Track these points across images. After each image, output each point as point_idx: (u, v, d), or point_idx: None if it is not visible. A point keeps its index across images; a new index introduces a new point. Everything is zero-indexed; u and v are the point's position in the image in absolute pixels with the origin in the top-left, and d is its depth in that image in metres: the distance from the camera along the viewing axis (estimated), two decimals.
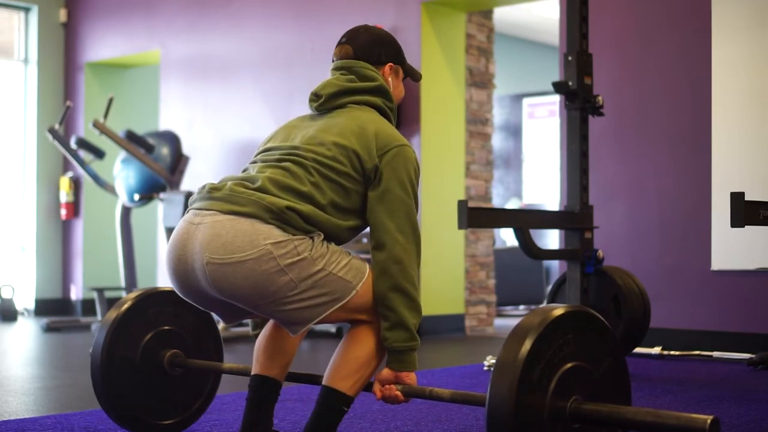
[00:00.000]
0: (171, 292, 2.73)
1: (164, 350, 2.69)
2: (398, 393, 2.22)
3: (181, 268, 2.17)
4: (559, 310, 1.77)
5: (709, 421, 1.65)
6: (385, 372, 2.23)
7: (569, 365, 1.77)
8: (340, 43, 2.42)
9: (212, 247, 2.10)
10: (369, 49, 2.39)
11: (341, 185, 2.20)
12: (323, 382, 2.24)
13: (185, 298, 2.25)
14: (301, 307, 2.13)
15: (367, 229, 2.29)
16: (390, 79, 2.41)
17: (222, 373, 2.71)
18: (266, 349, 2.40)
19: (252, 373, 2.41)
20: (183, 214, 5.86)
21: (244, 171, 2.32)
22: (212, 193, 2.20)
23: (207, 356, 2.82)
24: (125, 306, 2.65)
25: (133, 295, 2.69)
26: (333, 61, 2.44)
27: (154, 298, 2.71)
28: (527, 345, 1.71)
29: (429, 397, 2.20)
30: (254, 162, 2.32)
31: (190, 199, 2.27)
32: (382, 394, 2.24)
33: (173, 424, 2.74)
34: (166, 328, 2.71)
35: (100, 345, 2.61)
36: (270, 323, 2.43)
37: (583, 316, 1.81)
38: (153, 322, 2.69)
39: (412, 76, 2.48)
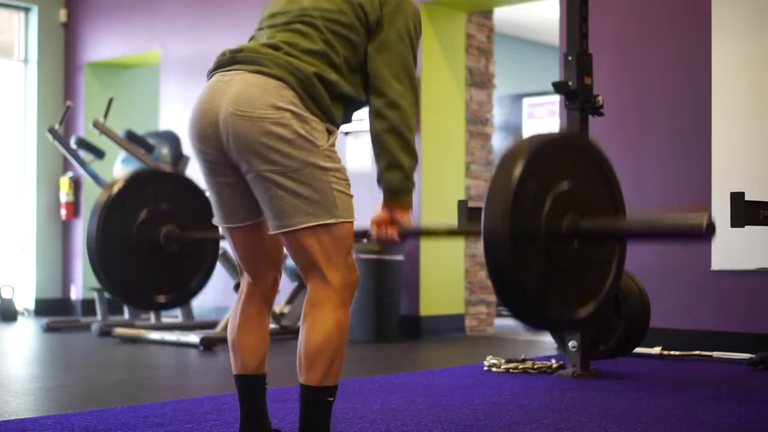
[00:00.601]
0: (171, 173, 2.73)
1: (160, 227, 2.68)
2: (394, 233, 2.25)
3: (205, 119, 2.19)
4: (554, 132, 1.74)
5: (705, 219, 1.62)
6: (380, 211, 2.25)
7: (564, 185, 1.73)
8: None
9: (239, 99, 2.13)
10: None
11: (349, 40, 2.22)
12: (299, 380, 2.21)
13: (198, 152, 2.24)
14: (288, 201, 2.12)
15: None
16: None
17: (220, 239, 2.71)
18: (241, 343, 2.36)
19: (234, 373, 2.40)
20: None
21: (251, 39, 2.32)
22: (236, 54, 2.22)
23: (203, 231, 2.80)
24: (116, 188, 2.64)
25: (120, 178, 2.69)
26: None
27: (142, 178, 2.70)
28: (520, 166, 1.67)
29: (425, 234, 2.20)
30: (261, 29, 2.32)
31: (210, 68, 2.28)
32: (378, 234, 2.26)
33: (171, 300, 2.74)
34: (164, 206, 2.70)
35: (93, 230, 2.60)
36: (237, 316, 2.39)
37: (578, 139, 1.79)
38: (144, 201, 2.68)
39: None
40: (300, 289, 5.90)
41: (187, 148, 7.14)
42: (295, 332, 5.80)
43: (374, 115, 2.22)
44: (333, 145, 2.19)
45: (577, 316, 1.82)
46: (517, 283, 1.67)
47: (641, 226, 1.71)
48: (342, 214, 2.17)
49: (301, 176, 2.12)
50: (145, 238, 2.65)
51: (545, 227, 1.69)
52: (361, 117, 2.34)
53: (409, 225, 2.25)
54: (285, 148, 2.10)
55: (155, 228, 2.67)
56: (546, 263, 1.72)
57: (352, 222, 2.22)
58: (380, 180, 2.23)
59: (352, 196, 2.22)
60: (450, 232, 2.15)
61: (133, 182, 2.67)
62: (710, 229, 1.61)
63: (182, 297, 2.76)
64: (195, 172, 7.36)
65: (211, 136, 2.19)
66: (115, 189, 2.63)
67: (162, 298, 2.71)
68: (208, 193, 2.36)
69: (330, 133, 2.19)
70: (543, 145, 1.71)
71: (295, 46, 2.20)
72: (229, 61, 2.23)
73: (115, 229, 2.61)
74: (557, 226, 1.71)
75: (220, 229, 2.36)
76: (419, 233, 2.23)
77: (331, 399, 2.20)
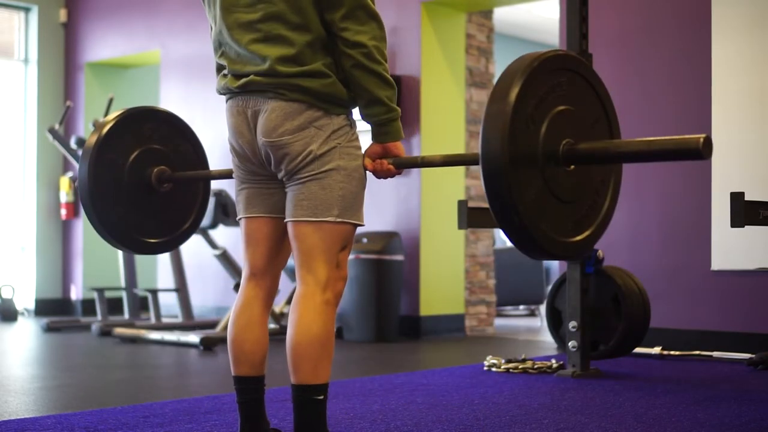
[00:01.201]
0: (146, 110, 2.73)
1: (150, 168, 2.68)
2: (390, 166, 2.27)
3: (245, 144, 2.27)
4: (551, 52, 1.73)
5: (702, 139, 1.61)
6: (373, 146, 2.27)
7: (561, 108, 1.72)
8: None
9: (266, 130, 2.21)
10: None
11: (312, 12, 2.20)
12: (291, 380, 2.22)
13: (234, 152, 2.31)
14: (304, 197, 2.19)
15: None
16: None
17: (211, 179, 2.71)
18: (240, 343, 2.37)
19: (233, 374, 2.40)
20: None
21: (218, 36, 2.31)
22: (245, 87, 2.24)
23: (192, 167, 2.80)
24: (105, 130, 2.63)
25: (110, 118, 2.67)
26: None
27: (131, 118, 2.69)
28: (517, 86, 1.66)
29: (420, 165, 2.21)
30: (221, 32, 2.29)
31: (219, 90, 2.32)
32: (374, 168, 2.27)
33: (163, 242, 2.73)
34: (148, 146, 2.70)
35: (85, 172, 2.58)
36: (237, 316, 2.39)
37: (575, 61, 1.78)
38: (134, 142, 2.68)
39: None
40: None
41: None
42: None
43: (342, 55, 2.21)
44: (354, 138, 2.24)
45: (574, 240, 1.81)
46: (515, 207, 1.66)
47: (638, 147, 1.70)
48: (336, 213, 2.20)
49: (322, 178, 2.19)
50: (136, 178, 2.64)
51: (542, 150, 1.68)
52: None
53: (402, 154, 2.28)
54: (309, 159, 2.18)
55: (146, 168, 2.66)
56: (543, 187, 1.72)
57: (355, 225, 2.25)
58: (364, 117, 2.26)
59: (361, 197, 2.25)
60: (446, 162, 2.16)
61: (125, 121, 2.65)
62: (706, 146, 1.61)
63: (175, 239, 2.75)
64: None
65: (251, 155, 2.28)
66: (106, 129, 2.62)
67: (154, 241, 2.70)
68: (234, 193, 2.42)
69: (351, 125, 2.25)
70: (540, 64, 1.69)
71: (286, 62, 2.20)
72: (240, 90, 2.25)
73: (106, 169, 2.59)
74: (554, 149, 1.70)
75: (241, 223, 2.38)
76: (413, 164, 2.24)
77: (321, 397, 2.20)
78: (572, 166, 1.73)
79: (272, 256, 2.38)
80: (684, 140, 1.63)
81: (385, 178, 2.32)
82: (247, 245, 2.39)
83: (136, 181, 2.66)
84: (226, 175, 2.60)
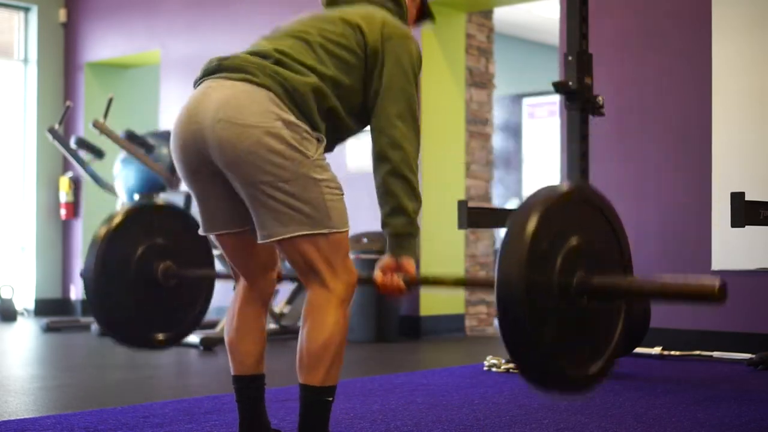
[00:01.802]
0: (160, 205, 2.73)
1: (157, 263, 2.68)
2: (400, 282, 2.21)
3: (190, 127, 2.15)
4: (562, 188, 1.76)
5: (718, 285, 1.62)
6: (386, 259, 2.22)
7: (574, 241, 1.75)
8: None
9: (227, 107, 2.10)
10: None
11: (346, 62, 2.20)
12: (298, 380, 2.21)
13: (181, 163, 2.21)
14: (280, 211, 2.10)
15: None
16: None
17: (218, 278, 2.71)
18: (238, 343, 2.37)
19: (232, 373, 2.40)
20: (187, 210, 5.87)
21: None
22: (224, 62, 2.20)
23: (199, 266, 2.81)
24: (115, 222, 2.64)
25: (121, 211, 2.68)
26: None
27: (143, 212, 2.70)
28: (533, 222, 1.69)
29: (432, 284, 2.19)
30: (256, 43, 2.31)
31: (197, 76, 2.25)
32: (383, 282, 2.23)
33: (168, 338, 2.73)
34: (157, 241, 2.70)
35: (92, 263, 2.59)
36: (234, 316, 2.39)
37: (586, 193, 1.80)
38: (143, 236, 2.68)
39: (428, 11, 2.48)
40: (300, 289, 5.90)
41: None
42: (295, 332, 5.80)
43: (377, 157, 2.19)
44: (322, 154, 2.17)
45: (589, 372, 1.83)
46: (532, 342, 1.69)
47: (651, 287, 1.73)
48: (336, 225, 2.15)
49: (293, 187, 2.09)
50: (142, 273, 2.65)
51: (557, 284, 1.72)
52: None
53: (415, 273, 2.23)
54: (276, 159, 2.07)
55: (153, 264, 2.67)
56: (558, 321, 1.75)
57: (346, 231, 2.20)
58: (384, 225, 2.21)
59: (344, 205, 2.20)
60: (457, 283, 2.15)
61: (132, 216, 2.67)
62: (722, 291, 1.63)
63: (179, 334, 2.76)
64: None
65: (193, 145, 2.16)
66: (114, 223, 2.63)
67: (159, 337, 2.71)
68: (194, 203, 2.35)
69: (319, 141, 2.16)
70: (555, 200, 1.74)
71: (286, 56, 2.18)
72: (215, 68, 2.20)
73: (112, 265, 2.60)
74: (568, 283, 1.74)
75: (210, 237, 2.35)
76: (425, 282, 2.21)
77: (331, 399, 2.20)
78: (585, 299, 1.76)
79: (258, 261, 2.36)
80: (699, 286, 1.65)
81: (392, 295, 2.27)
82: (227, 258, 2.37)
83: (143, 276, 2.66)
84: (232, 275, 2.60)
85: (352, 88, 2.22)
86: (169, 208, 2.76)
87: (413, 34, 2.30)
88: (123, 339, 2.64)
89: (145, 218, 2.69)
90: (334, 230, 2.15)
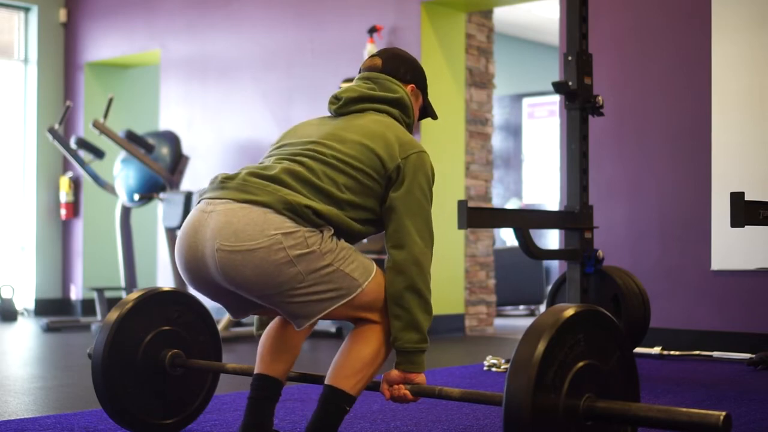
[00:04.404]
0: (172, 292, 2.75)
1: (165, 350, 2.70)
2: (407, 392, 2.23)
3: (191, 255, 2.18)
4: (570, 311, 1.78)
5: (722, 418, 1.65)
6: (394, 373, 2.24)
7: (581, 364, 1.79)
8: (370, 56, 2.47)
9: (223, 234, 2.12)
10: (396, 65, 2.43)
11: (359, 182, 2.22)
12: (326, 381, 2.24)
13: (194, 287, 2.26)
14: (307, 301, 2.15)
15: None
16: (411, 99, 2.45)
17: (223, 372, 2.72)
18: (271, 347, 2.40)
19: (255, 372, 2.41)
20: (187, 211, 5.87)
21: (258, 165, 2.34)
22: (225, 182, 2.22)
23: (206, 356, 2.83)
24: (127, 306, 2.66)
25: (134, 295, 2.70)
26: (360, 71, 2.48)
27: (155, 298, 2.72)
28: (541, 347, 1.73)
29: (438, 396, 2.20)
30: (269, 157, 2.33)
31: (202, 191, 2.28)
32: (391, 394, 2.25)
33: (173, 424, 2.74)
34: (167, 328, 2.72)
35: (101, 345, 2.61)
36: (274, 322, 2.43)
37: (593, 315, 1.83)
38: (154, 322, 2.70)
39: (430, 110, 2.51)
40: None
41: (187, 149, 7.14)
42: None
43: (395, 270, 2.21)
44: (329, 237, 2.18)
45: None
46: None
47: (657, 415, 1.75)
48: (363, 280, 2.20)
49: (309, 282, 2.14)
50: (150, 360, 2.67)
51: (563, 406, 1.75)
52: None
53: (424, 384, 2.25)
54: (285, 270, 2.11)
55: (161, 351, 2.68)
56: None
57: (374, 274, 2.23)
58: (396, 340, 2.22)
59: (360, 257, 2.23)
60: (463, 397, 2.17)
61: (143, 301, 2.68)
62: (726, 423, 1.65)
63: (185, 419, 2.78)
64: (195, 172, 7.35)
65: (197, 270, 2.19)
66: (126, 307, 2.65)
67: (166, 422, 2.72)
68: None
69: (322, 231, 2.17)
70: (564, 323, 1.77)
71: (294, 175, 2.19)
72: (218, 186, 2.23)
73: (121, 350, 2.62)
74: (575, 407, 1.77)
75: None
76: (431, 394, 2.23)
77: (348, 408, 2.25)
78: (590, 422, 1.79)
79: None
80: (704, 416, 1.67)
81: (401, 403, 2.31)
82: None
83: (150, 368, 2.68)
84: (240, 371, 2.61)
85: (367, 205, 2.25)
86: (181, 294, 2.78)
87: (424, 149, 2.32)
88: (128, 424, 2.66)
89: (155, 303, 2.71)
90: (365, 285, 2.20)
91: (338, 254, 2.17)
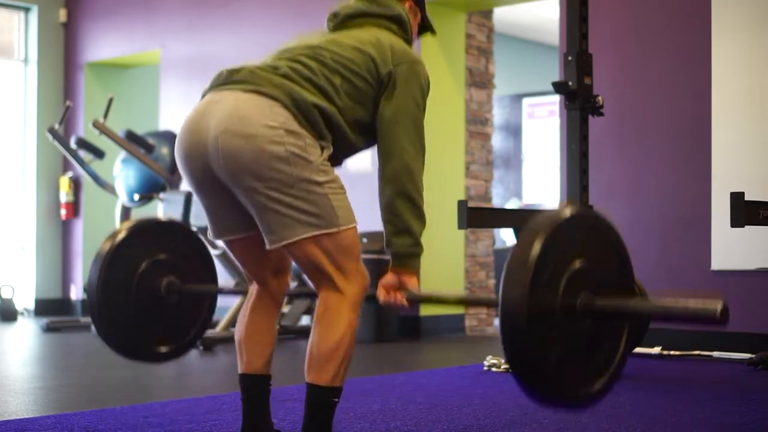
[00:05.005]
0: (166, 222, 2.75)
1: (160, 277, 2.69)
2: (403, 300, 2.24)
3: (193, 140, 2.19)
4: (566, 212, 1.78)
5: (719, 308, 1.64)
6: (388, 276, 2.25)
7: (577, 264, 1.78)
8: None
9: (231, 119, 2.12)
10: None
11: (354, 86, 2.23)
12: (305, 379, 2.23)
13: (187, 176, 2.25)
14: (286, 215, 2.13)
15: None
16: (409, 15, 2.44)
17: (219, 293, 2.73)
18: (247, 345, 2.39)
19: (239, 372, 2.41)
20: (187, 211, 5.86)
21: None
22: (232, 75, 2.23)
23: (202, 282, 2.83)
24: (120, 236, 2.65)
25: (127, 225, 2.70)
26: None
27: (148, 227, 2.72)
28: (537, 247, 1.71)
29: (435, 302, 2.21)
30: (269, 58, 2.33)
31: (206, 86, 2.27)
32: (386, 299, 2.25)
33: (171, 351, 2.75)
34: (162, 256, 2.71)
35: (95, 275, 2.61)
36: (245, 310, 2.41)
37: (590, 217, 1.82)
38: (148, 250, 2.69)
39: (428, 25, 2.53)
40: (299, 288, 5.89)
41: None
42: (295, 332, 5.80)
43: (387, 179, 2.22)
44: (326, 159, 2.19)
45: (593, 389, 1.85)
46: (537, 364, 1.72)
47: (654, 309, 1.75)
48: (343, 222, 2.19)
49: (296, 191, 2.12)
50: (145, 288, 2.67)
51: (560, 306, 1.74)
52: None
53: (417, 290, 2.25)
54: (279, 165, 2.10)
55: (156, 279, 2.68)
56: (562, 342, 1.78)
57: (354, 227, 2.23)
58: (389, 244, 2.23)
59: (348, 203, 2.23)
60: (459, 301, 2.17)
61: (135, 231, 2.68)
62: (723, 314, 1.65)
63: (181, 347, 2.78)
64: None
65: (197, 155, 2.19)
66: (118, 238, 2.64)
67: (162, 350, 2.73)
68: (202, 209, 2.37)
69: (323, 148, 2.19)
70: (559, 224, 1.76)
71: (296, 72, 2.21)
72: (224, 80, 2.24)
73: (116, 280, 2.62)
74: (572, 305, 1.76)
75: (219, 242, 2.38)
76: (427, 300, 2.23)
77: (337, 400, 2.23)
78: (588, 321, 1.79)
79: (269, 264, 2.39)
80: (701, 309, 1.67)
81: (395, 309, 2.30)
82: (238, 262, 2.41)
83: (145, 291, 2.68)
84: (235, 291, 2.58)
85: (361, 111, 2.26)
86: (172, 223, 2.78)
87: (421, 59, 2.33)
88: (125, 352, 2.66)
89: (148, 233, 2.71)
90: (342, 227, 2.18)
91: (331, 181, 2.17)
